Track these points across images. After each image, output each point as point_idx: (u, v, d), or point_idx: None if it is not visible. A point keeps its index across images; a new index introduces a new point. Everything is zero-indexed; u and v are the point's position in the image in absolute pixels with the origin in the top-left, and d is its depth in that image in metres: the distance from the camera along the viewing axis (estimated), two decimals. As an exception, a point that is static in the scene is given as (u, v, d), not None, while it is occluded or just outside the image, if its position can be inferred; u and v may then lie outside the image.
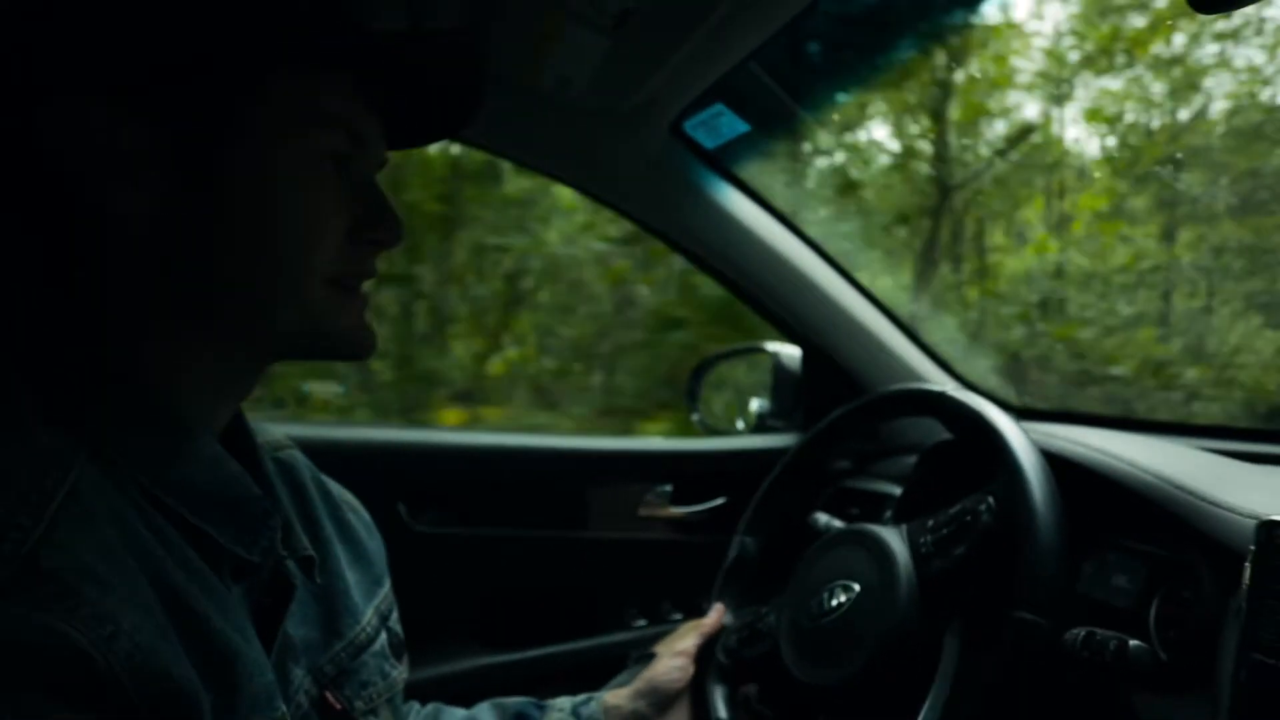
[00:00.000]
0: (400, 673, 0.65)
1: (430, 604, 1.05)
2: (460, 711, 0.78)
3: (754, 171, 1.14)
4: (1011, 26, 3.16)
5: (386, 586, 0.67)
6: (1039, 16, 3.14)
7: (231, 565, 0.47)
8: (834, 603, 0.75)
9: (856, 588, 0.74)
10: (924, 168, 3.50)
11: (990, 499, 0.69)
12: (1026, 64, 3.18)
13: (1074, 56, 3.08)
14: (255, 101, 0.45)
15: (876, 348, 1.25)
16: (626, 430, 3.34)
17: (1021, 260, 3.37)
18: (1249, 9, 0.48)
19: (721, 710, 0.84)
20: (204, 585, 0.43)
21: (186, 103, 0.44)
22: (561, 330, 3.84)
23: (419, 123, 0.58)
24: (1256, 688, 0.52)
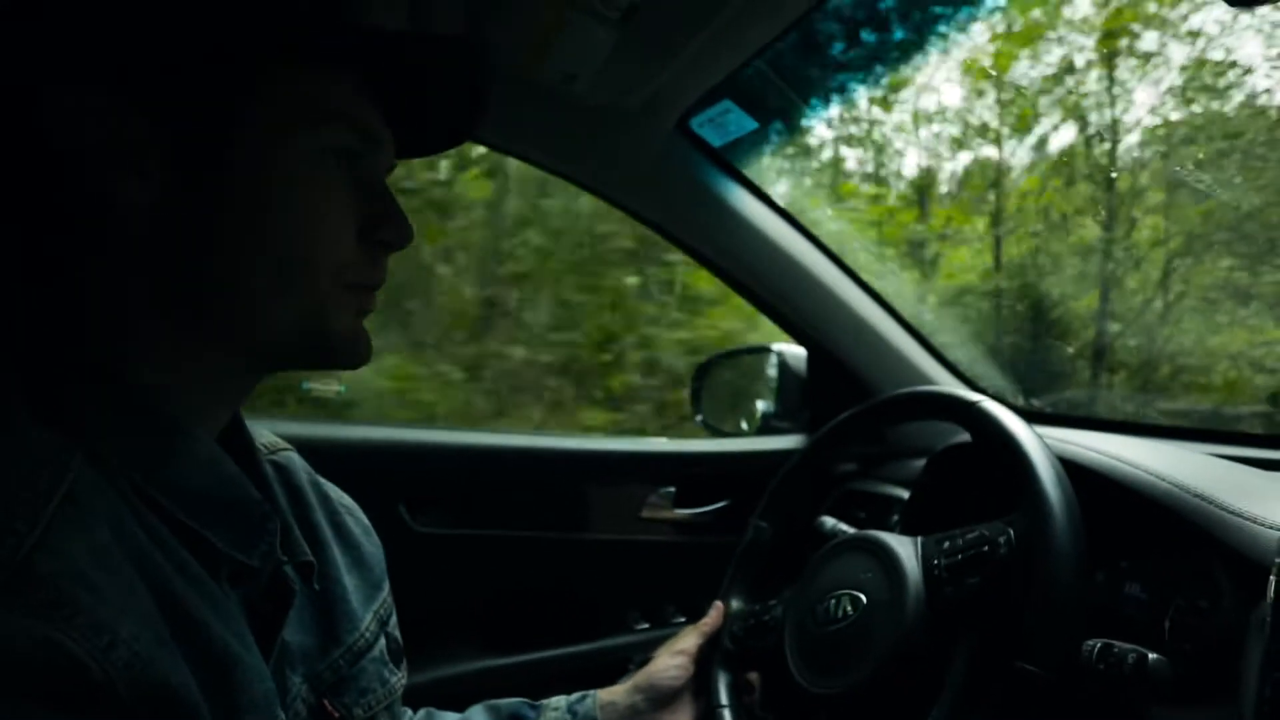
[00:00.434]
0: (399, 679, 0.64)
1: (431, 605, 1.04)
2: (453, 716, 0.77)
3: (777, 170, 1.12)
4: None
5: (385, 591, 0.66)
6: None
7: (229, 570, 0.46)
8: (841, 612, 0.73)
9: (864, 599, 0.72)
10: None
11: (1011, 532, 0.66)
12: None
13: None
14: (258, 96, 0.44)
15: (883, 349, 1.24)
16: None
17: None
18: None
19: (723, 696, 0.84)
20: (202, 590, 0.42)
21: (189, 95, 0.43)
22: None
23: (427, 126, 0.57)
24: (1281, 704, 0.51)
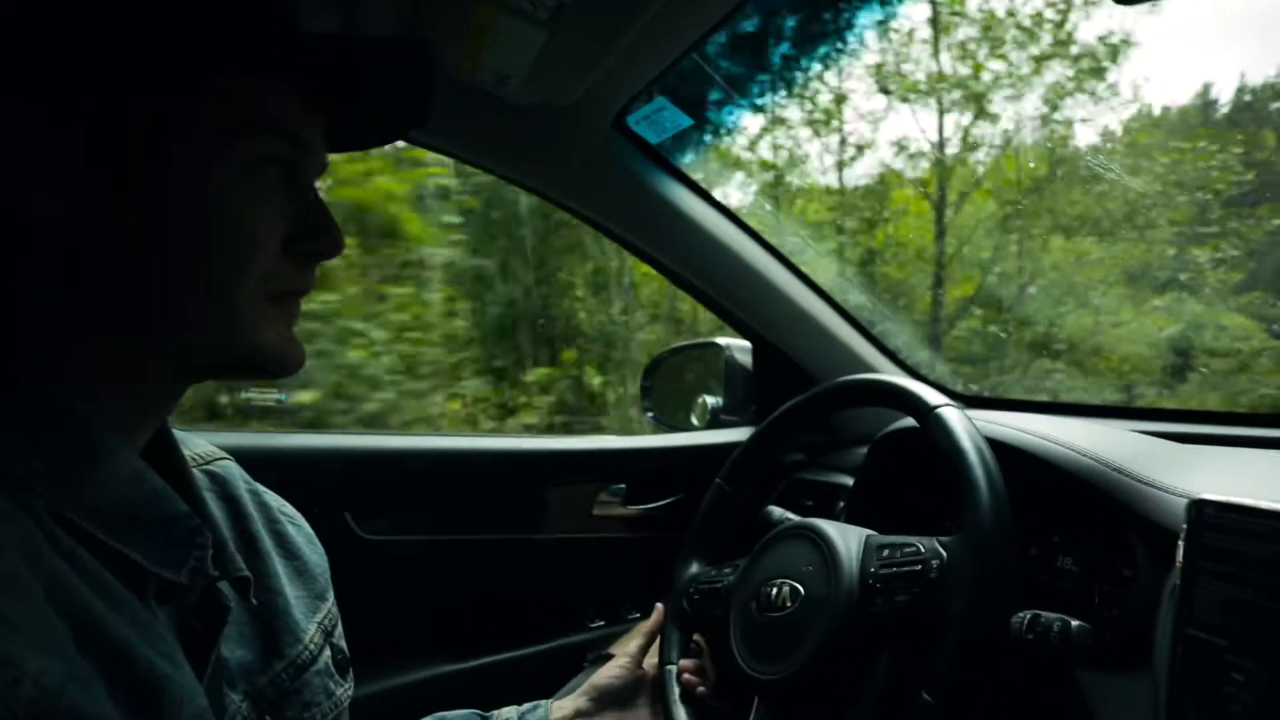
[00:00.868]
0: (345, 690, 0.63)
1: (381, 614, 1.03)
2: None
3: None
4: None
5: (330, 601, 0.65)
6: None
7: (156, 587, 0.45)
8: (781, 601, 0.75)
9: (802, 591, 0.74)
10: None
11: (944, 556, 0.67)
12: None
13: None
14: (190, 105, 0.43)
15: (826, 340, 1.26)
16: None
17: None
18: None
19: (673, 654, 0.86)
20: (125, 611, 0.41)
21: (115, 107, 0.42)
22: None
23: (363, 126, 0.56)
24: (1192, 662, 0.54)
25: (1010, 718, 0.76)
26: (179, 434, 0.55)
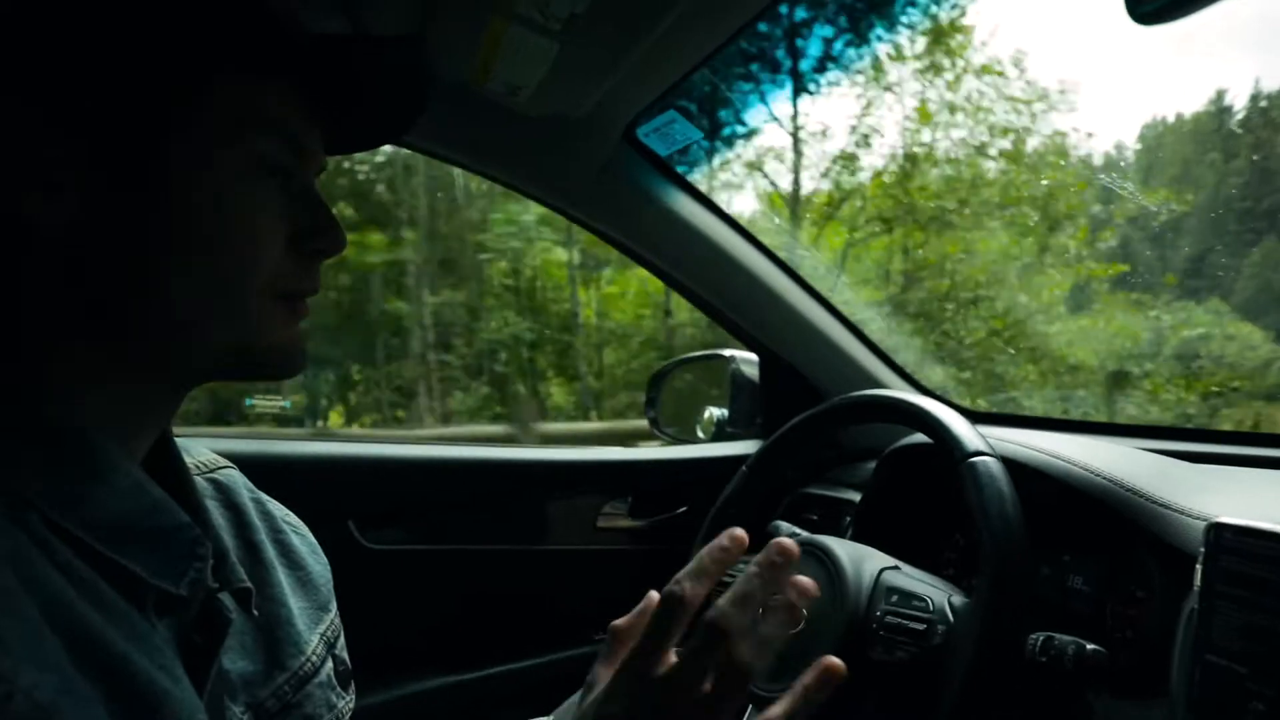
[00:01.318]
0: (347, 703, 0.62)
1: (385, 624, 1.02)
2: None
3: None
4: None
5: (333, 612, 0.64)
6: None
7: (155, 599, 0.44)
8: None
9: (806, 614, 0.74)
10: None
11: (951, 620, 0.66)
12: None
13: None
14: (189, 108, 0.43)
15: (834, 354, 1.25)
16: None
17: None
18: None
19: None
20: (123, 624, 0.40)
21: (114, 106, 0.41)
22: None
23: (360, 128, 0.56)
24: (1211, 688, 0.53)
25: None
26: (182, 443, 0.55)
